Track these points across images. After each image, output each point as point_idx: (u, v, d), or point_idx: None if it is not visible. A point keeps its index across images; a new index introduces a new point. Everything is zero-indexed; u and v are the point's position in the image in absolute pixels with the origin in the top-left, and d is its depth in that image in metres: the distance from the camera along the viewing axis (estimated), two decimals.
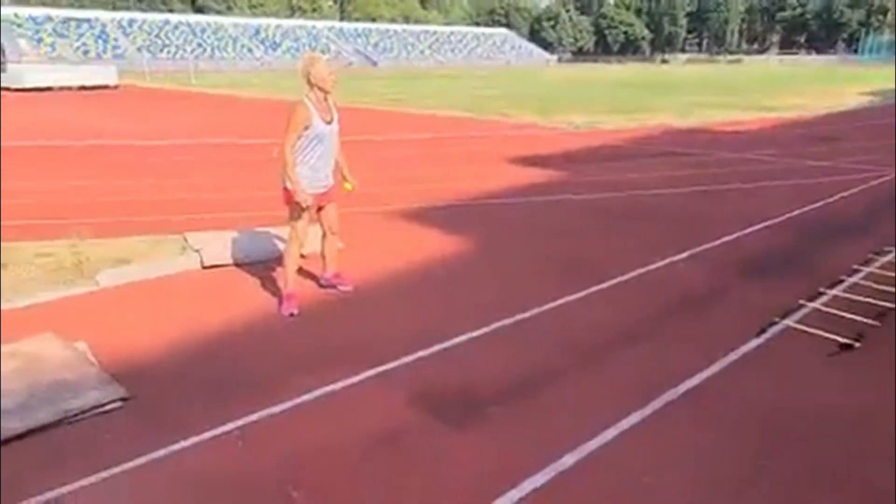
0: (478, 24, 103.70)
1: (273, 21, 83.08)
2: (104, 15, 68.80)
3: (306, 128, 4.09)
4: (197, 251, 5.32)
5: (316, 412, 3.16)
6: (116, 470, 2.67)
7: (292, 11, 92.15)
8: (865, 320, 4.06)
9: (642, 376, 3.47)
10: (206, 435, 2.92)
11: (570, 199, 7.86)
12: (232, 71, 58.33)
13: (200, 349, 3.81)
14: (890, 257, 5.31)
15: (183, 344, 3.86)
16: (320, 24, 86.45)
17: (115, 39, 66.35)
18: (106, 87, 31.54)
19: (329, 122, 4.21)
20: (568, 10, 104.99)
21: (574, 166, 10.19)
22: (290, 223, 4.36)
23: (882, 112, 19.40)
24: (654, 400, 3.20)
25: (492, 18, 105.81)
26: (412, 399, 3.23)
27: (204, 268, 5.17)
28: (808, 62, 77.71)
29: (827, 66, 68.92)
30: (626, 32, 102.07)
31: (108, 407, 3.11)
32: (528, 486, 2.58)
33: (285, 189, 4.21)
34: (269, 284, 4.84)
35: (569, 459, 2.73)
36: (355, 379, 3.43)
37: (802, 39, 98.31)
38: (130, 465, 2.70)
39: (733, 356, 3.69)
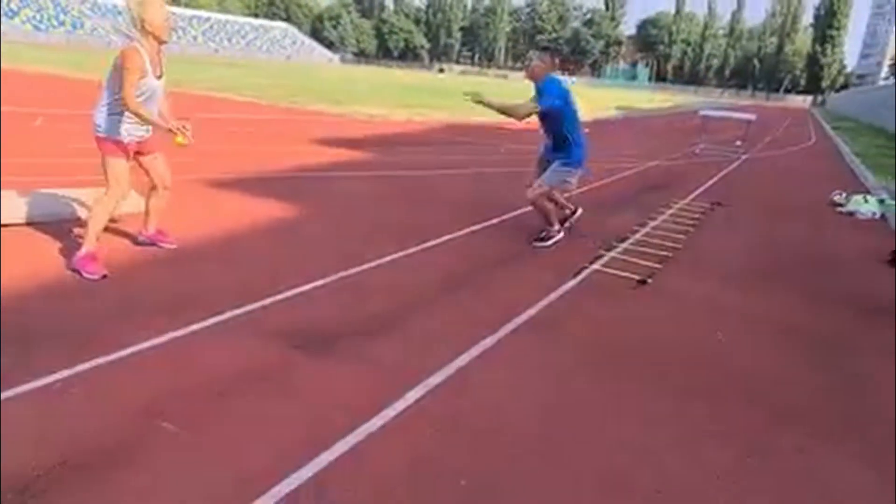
0: (256, 16, 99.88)
1: None
2: None
3: (141, 79, 3.68)
4: None
5: (164, 357, 2.94)
6: None
7: None
8: (652, 264, 4.89)
9: (480, 314, 3.75)
10: (26, 387, 2.58)
11: (377, 174, 8.08)
12: None
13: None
14: (658, 221, 6.43)
15: None
16: None
17: None
18: None
19: (159, 78, 3.86)
20: (350, 12, 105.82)
21: (375, 149, 10.43)
22: (108, 176, 3.86)
23: (637, 122, 22.85)
24: (496, 332, 3.48)
25: (271, 12, 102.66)
26: (260, 341, 3.16)
27: None
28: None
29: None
30: (405, 39, 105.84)
31: None
32: (395, 406, 2.71)
33: (100, 139, 3.78)
34: (69, 244, 4.29)
35: (430, 381, 2.89)
36: (196, 326, 3.24)
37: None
38: None
39: (555, 294, 4.17)
